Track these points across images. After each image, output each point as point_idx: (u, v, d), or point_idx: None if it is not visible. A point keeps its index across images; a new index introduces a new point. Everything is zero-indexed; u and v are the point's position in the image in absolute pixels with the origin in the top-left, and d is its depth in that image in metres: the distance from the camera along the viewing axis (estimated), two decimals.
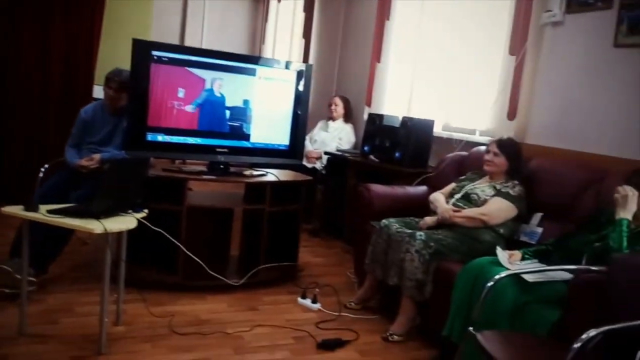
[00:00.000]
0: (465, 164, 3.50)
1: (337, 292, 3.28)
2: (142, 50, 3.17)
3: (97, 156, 3.32)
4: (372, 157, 4.29)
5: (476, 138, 3.85)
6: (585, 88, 3.20)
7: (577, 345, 1.60)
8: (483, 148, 3.34)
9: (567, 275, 2.24)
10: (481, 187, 3.03)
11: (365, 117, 4.72)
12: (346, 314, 3.08)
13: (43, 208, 2.44)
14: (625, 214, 2.21)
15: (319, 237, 4.68)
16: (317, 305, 3.13)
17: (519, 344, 1.99)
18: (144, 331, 2.67)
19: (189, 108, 3.29)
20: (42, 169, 3.26)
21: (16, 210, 2.42)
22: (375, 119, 4.41)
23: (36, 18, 4.71)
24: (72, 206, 2.54)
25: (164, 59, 3.22)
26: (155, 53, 3.19)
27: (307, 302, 3.17)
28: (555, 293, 2.22)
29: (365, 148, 4.41)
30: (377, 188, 3.47)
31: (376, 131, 4.36)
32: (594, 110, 3.14)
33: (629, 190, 2.25)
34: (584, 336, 1.62)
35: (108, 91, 3.39)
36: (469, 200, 3.00)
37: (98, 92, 4.75)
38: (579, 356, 1.60)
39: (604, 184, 2.71)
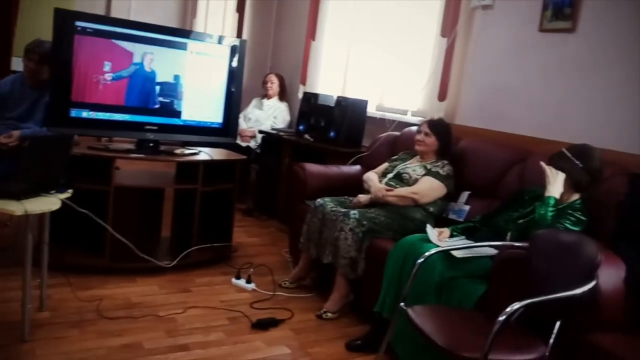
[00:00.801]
0: (398, 143, 3.57)
1: (272, 272, 3.28)
2: (65, 20, 2.99)
3: (16, 133, 3.11)
4: (306, 136, 4.28)
5: (408, 118, 3.93)
6: (512, 71, 3.32)
7: (501, 317, 1.68)
8: (415, 128, 3.40)
9: (493, 251, 2.34)
10: (412, 167, 3.10)
11: (301, 95, 4.70)
12: (281, 293, 3.09)
13: None
14: (554, 192, 2.32)
15: (253, 216, 4.65)
16: (252, 285, 3.12)
17: (446, 317, 2.06)
18: (71, 316, 2.56)
19: (112, 80, 3.13)
20: None
21: None
22: (310, 98, 4.40)
23: None
24: None
25: (88, 30, 3.05)
26: (79, 24, 3.02)
27: (242, 282, 3.15)
28: (481, 268, 2.32)
29: (300, 127, 4.39)
30: (312, 167, 3.47)
31: (311, 110, 4.35)
32: (519, 92, 3.27)
33: (560, 172, 2.35)
34: (508, 309, 1.70)
35: (28, 63, 3.17)
36: (400, 179, 3.06)
37: (17, 64, 4.46)
38: (504, 328, 1.67)
39: (527, 163, 2.84)
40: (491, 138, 3.28)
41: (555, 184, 2.33)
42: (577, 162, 2.34)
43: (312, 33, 4.82)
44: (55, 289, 2.75)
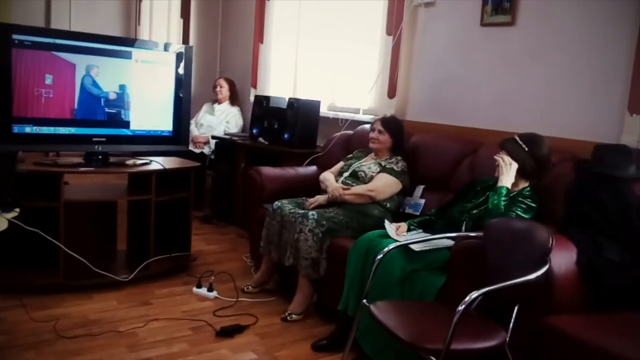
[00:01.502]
0: (352, 142, 3.60)
1: (234, 278, 3.25)
2: (1, 33, 2.89)
3: None
4: (261, 139, 4.27)
5: (360, 117, 3.96)
6: (457, 66, 3.40)
7: (461, 307, 1.71)
8: (367, 126, 3.44)
9: (450, 242, 2.39)
10: (367, 165, 3.13)
11: (252, 99, 4.67)
12: (244, 299, 3.06)
13: None
14: (506, 182, 2.39)
15: (211, 223, 4.59)
16: (214, 293, 3.09)
17: (408, 311, 2.09)
18: (27, 338, 2.47)
19: (55, 93, 3.04)
20: None
21: None
22: (262, 101, 4.38)
23: None
24: None
25: (26, 42, 2.95)
26: (16, 37, 2.91)
27: (203, 290, 3.11)
28: (440, 260, 2.37)
29: (254, 130, 4.37)
30: (268, 170, 3.46)
31: (263, 113, 4.34)
32: (466, 86, 3.36)
33: (511, 161, 2.42)
34: (466, 299, 1.74)
35: None
36: (356, 177, 3.09)
37: None
38: (464, 317, 1.71)
39: (478, 155, 2.92)
40: (442, 132, 3.35)
41: (509, 174, 2.40)
42: (524, 146, 2.42)
43: (259, 36, 4.81)
44: (8, 312, 2.64)
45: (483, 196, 2.53)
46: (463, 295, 1.75)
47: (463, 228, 2.48)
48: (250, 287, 3.17)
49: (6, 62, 2.88)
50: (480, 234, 2.16)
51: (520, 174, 2.43)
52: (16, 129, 2.96)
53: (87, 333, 2.56)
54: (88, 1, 6.51)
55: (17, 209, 2.40)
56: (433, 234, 2.50)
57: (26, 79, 2.96)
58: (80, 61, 3.11)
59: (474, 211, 2.51)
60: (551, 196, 2.41)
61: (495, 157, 2.46)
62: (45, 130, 3.05)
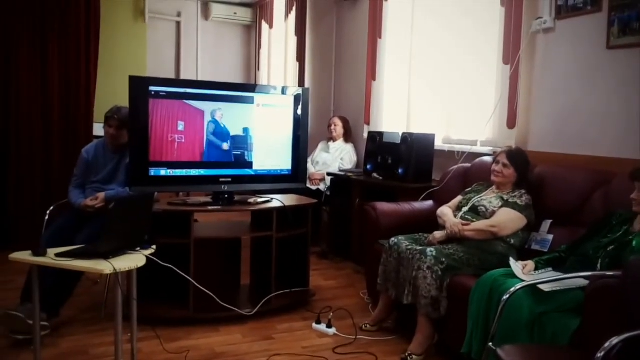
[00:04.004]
0: (469, 175, 3.49)
1: (352, 315, 3.25)
2: (139, 86, 3.19)
3: (101, 195, 3.32)
4: (375, 175, 4.29)
5: (478, 149, 3.85)
6: (582, 92, 3.20)
7: (600, 354, 1.58)
8: (486, 158, 3.33)
9: (583, 282, 2.22)
10: (488, 199, 3.02)
11: (365, 135, 4.73)
12: (363, 337, 3.04)
13: (51, 252, 2.42)
14: None
15: (327, 259, 4.65)
16: (333, 330, 3.10)
17: (540, 355, 1.96)
18: None
19: (187, 138, 3.29)
20: (48, 212, 3.25)
21: (25, 256, 2.40)
22: (376, 137, 4.42)
23: (33, 64, 4.75)
24: (80, 248, 2.52)
25: (161, 93, 3.24)
26: (152, 88, 3.21)
27: (322, 327, 3.13)
28: (573, 301, 2.20)
29: (368, 166, 4.41)
30: (383, 206, 3.46)
31: (377, 149, 4.37)
32: (592, 112, 3.14)
33: None
34: (606, 345, 1.60)
35: (109, 130, 3.40)
36: (476, 212, 2.98)
37: (98, 129, 4.79)
38: None
39: (611, 186, 2.70)
40: (569, 162, 3.15)
41: None
42: None
43: (372, 73, 4.89)
44: (144, 342, 2.84)
45: (620, 231, 2.33)
46: (601, 340, 1.61)
47: (598, 266, 2.29)
48: (368, 325, 3.14)
49: (144, 111, 3.18)
50: (619, 273, 1.98)
51: None
52: (152, 172, 3.23)
53: None
54: (212, 51, 7.05)
55: (154, 247, 2.61)
56: (564, 272, 2.33)
57: (161, 126, 3.24)
58: (208, 108, 3.35)
59: (610, 247, 2.32)
60: None
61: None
62: (177, 172, 3.30)
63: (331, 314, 3.23)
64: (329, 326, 3.12)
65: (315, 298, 3.64)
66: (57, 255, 2.40)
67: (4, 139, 4.71)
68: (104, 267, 2.29)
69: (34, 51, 4.75)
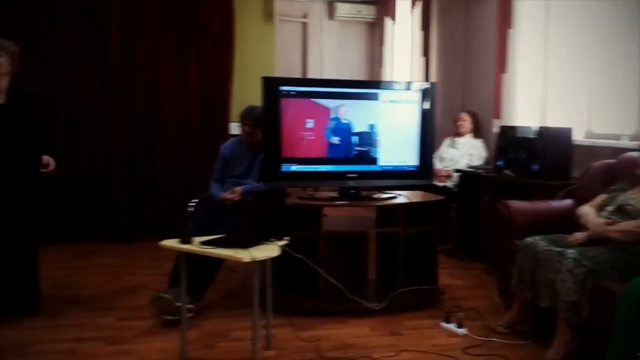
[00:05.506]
0: (614, 172, 3.22)
1: (482, 316, 3.15)
2: (271, 86, 3.35)
3: (238, 189, 3.53)
4: (507, 171, 4.11)
5: (624, 143, 3.54)
6: None
7: None
8: (635, 154, 3.05)
9: None
10: (636, 197, 2.77)
11: (495, 130, 4.55)
12: (495, 339, 2.92)
13: (196, 240, 2.64)
14: None
15: (456, 258, 4.54)
16: (463, 330, 3.02)
17: None
18: (294, 355, 2.75)
19: (315, 135, 3.39)
20: (191, 204, 3.51)
21: (173, 243, 2.65)
22: (507, 132, 4.24)
23: (176, 72, 5.18)
24: (221, 237, 2.72)
25: (291, 92, 3.37)
26: (283, 88, 3.35)
27: (452, 326, 3.07)
28: None
29: (499, 162, 4.24)
30: (517, 204, 3.30)
31: (509, 144, 4.18)
32: None
33: None
34: None
35: (244, 128, 3.62)
36: (623, 212, 2.75)
37: (233, 128, 5.11)
38: None
39: None
40: None
41: None
42: None
43: (502, 66, 4.68)
44: (278, 329, 2.98)
45: None
46: None
47: None
48: (500, 327, 3.02)
49: (276, 110, 3.33)
50: None
51: None
52: (284, 167, 3.37)
53: (344, 356, 2.74)
54: (337, 49, 7.18)
55: (288, 238, 2.73)
56: None
57: (292, 124, 3.37)
58: (334, 105, 3.42)
59: None
60: None
61: None
62: (307, 168, 3.42)
63: (461, 313, 3.15)
64: (459, 326, 3.05)
65: (444, 297, 3.57)
66: (202, 243, 2.60)
67: (152, 140, 5.18)
68: (243, 255, 2.45)
69: (178, 60, 5.18)
